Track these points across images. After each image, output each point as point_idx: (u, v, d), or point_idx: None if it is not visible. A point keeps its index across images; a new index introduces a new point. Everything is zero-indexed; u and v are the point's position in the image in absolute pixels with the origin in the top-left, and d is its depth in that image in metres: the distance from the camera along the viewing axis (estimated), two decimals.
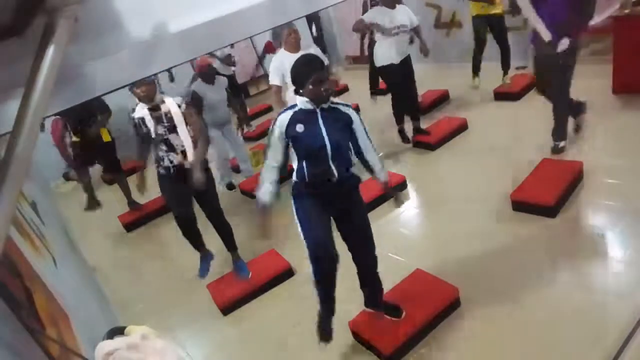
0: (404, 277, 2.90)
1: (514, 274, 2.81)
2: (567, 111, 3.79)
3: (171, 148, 3.01)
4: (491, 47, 5.29)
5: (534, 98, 4.01)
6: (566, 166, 3.53)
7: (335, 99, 2.25)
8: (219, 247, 3.53)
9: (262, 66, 8.97)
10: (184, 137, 3.01)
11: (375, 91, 5.98)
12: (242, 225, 4.04)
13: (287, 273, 3.46)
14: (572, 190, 3.36)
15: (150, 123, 2.99)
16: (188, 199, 3.20)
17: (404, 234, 3.69)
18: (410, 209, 4.00)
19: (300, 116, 2.17)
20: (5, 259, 1.36)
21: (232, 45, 6.82)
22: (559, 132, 3.82)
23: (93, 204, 5.20)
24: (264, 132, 6.43)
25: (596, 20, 3.48)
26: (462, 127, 4.94)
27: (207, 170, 3.17)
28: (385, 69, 4.58)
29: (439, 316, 2.63)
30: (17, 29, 0.85)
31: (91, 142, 4.75)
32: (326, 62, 2.71)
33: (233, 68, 6.82)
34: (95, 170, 5.44)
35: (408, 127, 4.95)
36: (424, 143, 4.86)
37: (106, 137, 4.92)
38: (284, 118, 2.18)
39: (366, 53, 6.76)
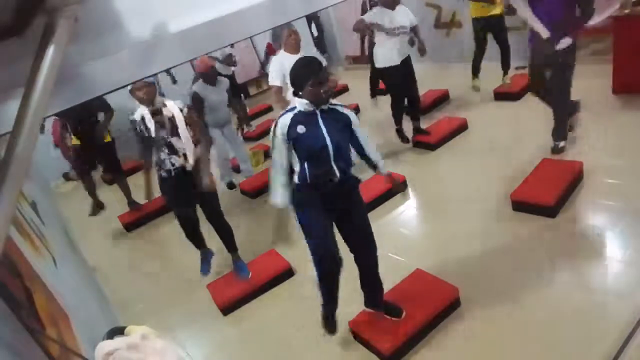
0: (404, 277, 2.90)
1: (514, 274, 2.81)
2: (568, 111, 3.79)
3: (173, 151, 3.01)
4: (491, 47, 5.29)
5: (534, 98, 4.01)
6: (566, 166, 3.53)
7: (333, 100, 2.26)
8: (219, 247, 3.53)
9: (264, 70, 8.98)
10: (185, 140, 3.01)
11: (375, 92, 5.98)
12: (242, 225, 4.04)
13: (287, 273, 3.45)
14: (572, 190, 3.36)
15: (150, 125, 2.99)
16: (191, 201, 3.21)
17: (404, 234, 3.69)
18: (410, 209, 4.00)
19: (300, 118, 2.17)
20: (5, 259, 1.36)
21: (232, 45, 6.81)
22: (559, 132, 3.82)
23: (97, 210, 5.22)
24: (264, 132, 6.44)
25: (596, 20, 3.47)
26: (462, 127, 4.94)
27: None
28: (386, 71, 4.57)
29: (439, 316, 2.63)
30: (17, 29, 0.85)
31: (92, 144, 4.75)
32: (325, 63, 2.71)
33: (233, 68, 6.82)
34: (96, 171, 5.44)
35: (407, 127, 4.94)
36: (424, 143, 4.86)
37: (106, 138, 4.92)
38: (284, 120, 2.19)
39: (366, 53, 6.75)
